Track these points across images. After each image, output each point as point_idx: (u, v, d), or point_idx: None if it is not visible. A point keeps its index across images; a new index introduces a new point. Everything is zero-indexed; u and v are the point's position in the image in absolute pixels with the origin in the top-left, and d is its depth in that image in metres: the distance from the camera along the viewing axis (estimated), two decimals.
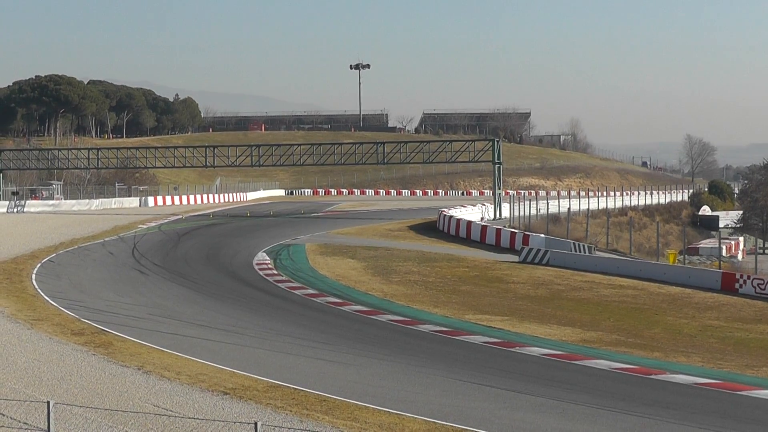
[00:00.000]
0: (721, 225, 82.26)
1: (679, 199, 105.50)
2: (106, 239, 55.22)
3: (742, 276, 37.59)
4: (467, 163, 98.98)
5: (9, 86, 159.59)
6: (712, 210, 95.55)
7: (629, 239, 52.62)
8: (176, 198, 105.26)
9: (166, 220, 72.19)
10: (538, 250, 46.30)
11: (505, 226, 58.66)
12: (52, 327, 27.14)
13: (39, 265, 42.21)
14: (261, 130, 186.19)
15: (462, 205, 78.36)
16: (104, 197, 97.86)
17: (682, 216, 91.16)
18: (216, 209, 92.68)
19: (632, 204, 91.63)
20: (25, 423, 16.98)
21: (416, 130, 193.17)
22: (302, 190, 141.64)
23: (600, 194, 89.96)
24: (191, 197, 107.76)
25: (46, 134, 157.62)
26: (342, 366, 22.85)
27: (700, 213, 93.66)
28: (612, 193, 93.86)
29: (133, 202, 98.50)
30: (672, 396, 20.63)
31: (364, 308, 31.98)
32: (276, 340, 25.91)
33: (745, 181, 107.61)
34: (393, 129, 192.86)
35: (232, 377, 21.15)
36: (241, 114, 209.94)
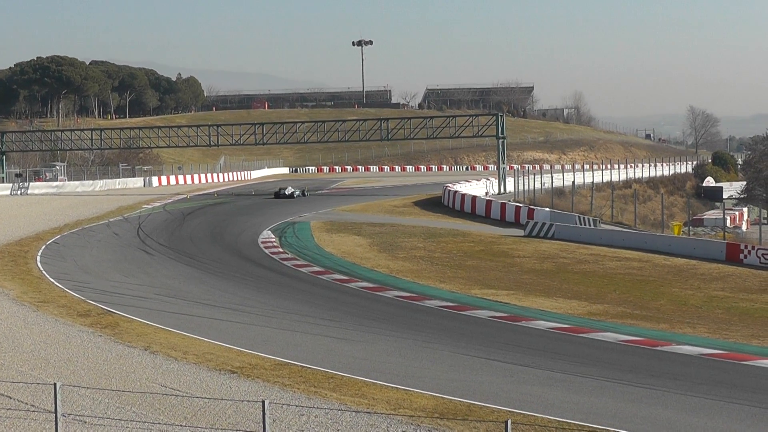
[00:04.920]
0: (725, 196, 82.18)
1: (683, 170, 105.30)
2: (111, 220, 55.24)
3: (746, 246, 37.57)
4: (471, 138, 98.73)
5: (10, 68, 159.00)
6: (716, 181, 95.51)
7: (634, 211, 52.65)
8: (180, 177, 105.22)
9: (171, 200, 72.19)
10: (543, 224, 46.24)
11: (509, 201, 58.61)
12: (58, 309, 27.19)
13: (44, 246, 42.24)
14: (264, 108, 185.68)
15: (467, 180, 78.28)
16: (108, 178, 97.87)
17: (686, 187, 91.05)
18: (220, 188, 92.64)
19: (636, 176, 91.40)
20: (33, 405, 17.04)
21: (420, 106, 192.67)
22: (306, 167, 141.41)
23: (604, 167, 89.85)
24: (195, 176, 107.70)
25: (48, 115, 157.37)
26: (349, 343, 22.90)
27: (704, 184, 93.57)
28: (616, 166, 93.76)
29: (137, 182, 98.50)
30: (678, 367, 20.66)
31: (370, 285, 32.01)
32: (282, 318, 25.95)
33: (749, 152, 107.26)
34: (396, 105, 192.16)
35: (239, 356, 21.19)
36: (245, 92, 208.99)
